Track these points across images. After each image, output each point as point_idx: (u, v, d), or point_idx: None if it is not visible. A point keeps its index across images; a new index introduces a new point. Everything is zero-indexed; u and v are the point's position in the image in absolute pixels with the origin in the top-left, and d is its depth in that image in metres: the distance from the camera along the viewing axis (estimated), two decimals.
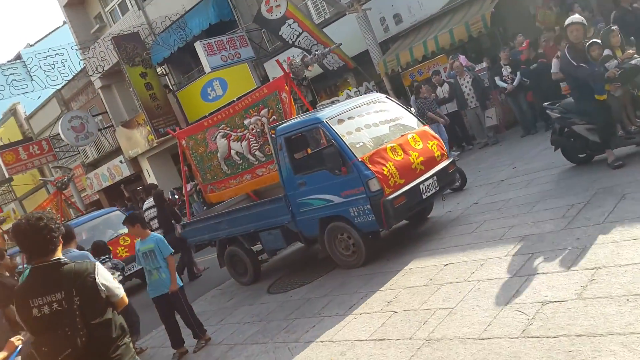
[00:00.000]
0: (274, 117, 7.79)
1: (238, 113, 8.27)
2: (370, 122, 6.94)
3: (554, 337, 3.57)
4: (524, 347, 3.61)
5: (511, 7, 12.66)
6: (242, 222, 7.74)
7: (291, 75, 7.77)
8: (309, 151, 7.80)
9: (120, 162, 25.10)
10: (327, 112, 6.87)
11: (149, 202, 11.11)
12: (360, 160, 6.25)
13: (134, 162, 24.74)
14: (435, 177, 6.71)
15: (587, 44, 6.76)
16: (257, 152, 8.12)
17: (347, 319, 5.33)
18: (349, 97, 12.26)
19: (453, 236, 6.49)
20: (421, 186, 6.53)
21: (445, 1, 13.50)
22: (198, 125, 9.17)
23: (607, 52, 6.79)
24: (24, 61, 23.82)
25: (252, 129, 8.07)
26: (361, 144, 6.51)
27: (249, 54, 17.37)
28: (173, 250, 6.30)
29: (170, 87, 21.57)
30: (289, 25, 14.59)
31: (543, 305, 4.01)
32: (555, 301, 4.00)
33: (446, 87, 11.81)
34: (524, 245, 5.26)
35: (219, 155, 8.59)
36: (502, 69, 10.97)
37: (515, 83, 10.78)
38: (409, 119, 7.34)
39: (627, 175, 6.12)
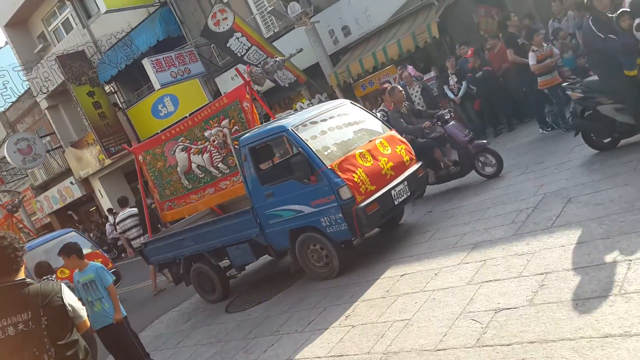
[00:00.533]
0: (236, 127, 7.55)
1: (197, 125, 7.99)
2: (336, 128, 6.84)
3: (507, 345, 3.62)
4: (479, 356, 3.64)
5: (455, 17, 12.96)
6: (208, 238, 7.47)
7: (251, 84, 7.59)
8: (275, 161, 7.75)
9: (71, 183, 24.41)
10: (291, 120, 6.72)
11: (124, 213, 10.94)
12: (329, 167, 6.08)
13: (85, 182, 24.10)
14: (405, 182, 6.63)
15: (617, 13, 6.20)
16: (219, 165, 7.88)
17: (305, 335, 5.28)
18: (302, 109, 12.25)
19: (408, 246, 6.54)
20: (392, 192, 6.42)
21: (391, 13, 13.70)
22: (155, 139, 8.84)
23: (638, 21, 6.09)
24: None
25: (214, 141, 7.81)
26: (329, 151, 6.36)
27: (199, 69, 17.20)
28: (114, 277, 6.08)
29: (120, 105, 21.14)
30: (237, 38, 14.53)
31: (496, 313, 4.07)
32: (507, 308, 4.06)
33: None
34: (477, 253, 5.34)
35: (178, 169, 8.30)
36: (449, 78, 11.20)
37: (461, 93, 11.01)
38: (375, 123, 7.26)
39: (572, 178, 6.30)
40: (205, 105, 9.13)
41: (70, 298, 3.39)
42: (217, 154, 7.84)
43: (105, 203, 23.16)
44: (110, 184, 23.45)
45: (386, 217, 6.70)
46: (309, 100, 14.35)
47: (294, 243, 6.68)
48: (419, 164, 7.07)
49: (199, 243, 7.61)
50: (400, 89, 8.63)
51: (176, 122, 10.31)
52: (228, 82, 16.99)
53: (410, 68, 12.08)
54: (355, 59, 13.70)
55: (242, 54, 14.76)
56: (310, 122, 6.66)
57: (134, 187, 24.32)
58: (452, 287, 4.83)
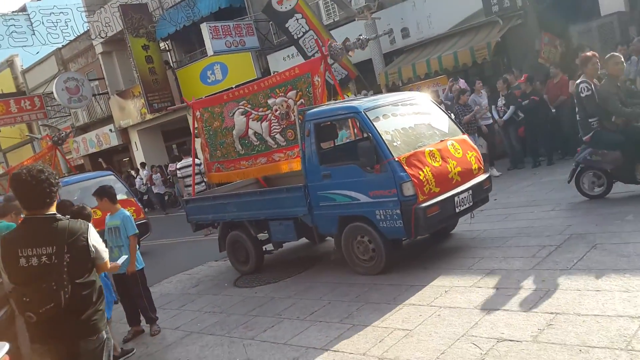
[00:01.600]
0: (301, 100, 7.23)
1: (263, 91, 7.70)
2: (409, 121, 6.55)
3: None
4: None
5: (517, 39, 12.75)
6: (253, 207, 7.30)
7: (327, 58, 7.21)
8: (333, 144, 7.52)
9: (110, 130, 24.94)
10: (364, 103, 6.38)
11: (186, 161, 12.34)
12: (396, 159, 5.76)
13: (123, 132, 24.59)
14: (470, 191, 6.27)
15: None
16: (277, 136, 7.57)
17: (305, 324, 5.34)
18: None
19: (423, 258, 6.53)
20: (456, 198, 6.07)
21: (454, 23, 13.56)
22: (216, 97, 8.62)
23: None
24: (27, 14, 23.58)
25: (276, 110, 7.51)
26: (398, 142, 6.03)
27: (254, 43, 17.34)
28: (137, 231, 6.24)
29: (171, 64, 21.45)
30: (297, 20, 14.60)
31: (498, 342, 4.05)
32: (510, 340, 4.04)
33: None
34: (490, 279, 5.31)
35: (234, 132, 8.03)
36: (498, 99, 11.04)
37: (506, 117, 10.85)
38: (448, 124, 6.91)
39: (601, 224, 6.19)
40: (250, 81, 9.20)
41: (95, 239, 3.45)
42: (277, 124, 7.55)
43: (139, 156, 23.61)
44: (147, 139, 23.88)
45: (444, 224, 6.43)
46: (354, 95, 14.33)
47: (341, 230, 6.40)
48: (487, 174, 6.72)
49: (242, 211, 7.44)
50: (620, 57, 7.10)
51: (222, 91, 10.17)
52: (279, 61, 17.09)
53: (461, 82, 11.96)
54: (408, 63, 13.63)
55: (299, 36, 14.82)
56: (382, 110, 6.36)
57: (169, 146, 24.75)
58: (460, 308, 4.81)
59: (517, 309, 4.53)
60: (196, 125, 8.68)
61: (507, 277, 5.26)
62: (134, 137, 24.21)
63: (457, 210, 6.14)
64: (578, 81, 7.09)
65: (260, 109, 7.70)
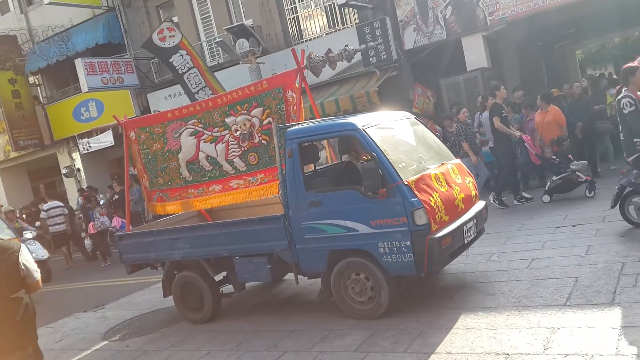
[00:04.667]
0: (269, 119, 6.40)
1: (219, 108, 6.73)
2: (407, 141, 5.97)
3: None
4: None
5: (394, 89, 13.48)
6: (213, 243, 6.28)
7: (304, 71, 6.42)
8: (313, 168, 6.52)
9: None
10: (360, 119, 5.68)
11: (51, 204, 13.55)
12: (406, 183, 5.09)
13: None
14: (475, 220, 5.73)
15: None
16: (235, 160, 6.67)
17: None
18: None
19: (303, 303, 6.48)
20: (464, 228, 5.49)
21: (335, 72, 14.06)
22: (157, 116, 7.50)
23: None
24: None
25: (236, 130, 6.59)
26: (403, 164, 5.34)
27: (133, 81, 16.78)
28: None
29: (41, 99, 20.13)
30: (182, 55, 14.35)
31: None
32: None
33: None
34: (369, 322, 5.36)
35: (180, 156, 7.02)
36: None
37: None
38: (441, 145, 6.49)
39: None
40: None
41: (26, 258, 3.69)
42: (235, 146, 6.64)
43: (1, 198, 21.63)
44: (10, 179, 21.96)
45: (454, 258, 5.62)
46: None
47: (331, 267, 5.54)
48: (484, 202, 6.24)
49: (197, 247, 6.41)
50: None
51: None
52: (160, 100, 16.66)
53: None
54: None
55: (184, 71, 14.55)
56: (380, 126, 5.67)
57: (35, 187, 22.98)
58: (337, 352, 4.80)
59: (393, 350, 4.60)
60: (130, 149, 7.49)
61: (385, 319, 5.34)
62: None
63: (466, 242, 5.58)
64: (620, 96, 6.41)
65: (215, 129, 6.75)
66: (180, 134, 6.99)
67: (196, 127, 6.89)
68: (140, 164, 7.46)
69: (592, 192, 8.81)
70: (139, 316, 7.45)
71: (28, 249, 11.44)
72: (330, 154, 7.68)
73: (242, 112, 6.55)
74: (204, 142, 6.84)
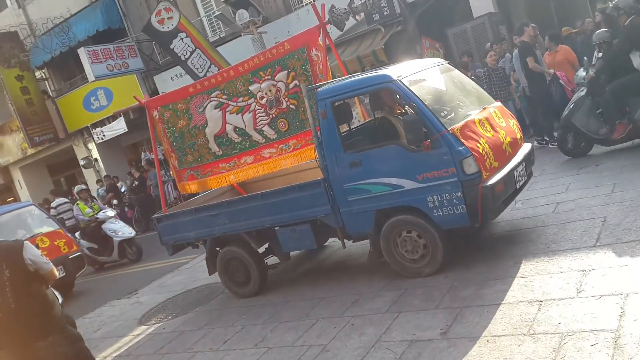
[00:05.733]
0: (295, 82, 6.09)
1: (241, 76, 6.41)
2: (445, 88, 5.67)
3: None
4: None
5: (400, 45, 13.22)
6: (253, 215, 6.06)
7: (327, 27, 6.07)
8: (348, 127, 6.21)
9: None
10: (395, 70, 5.37)
11: (58, 201, 13.56)
12: (450, 131, 4.83)
13: (4, 171, 22.82)
14: (524, 163, 5.47)
15: None
16: (264, 128, 6.39)
17: (219, 354, 5.13)
18: None
19: (328, 270, 6.51)
20: (515, 172, 5.23)
21: (339, 33, 13.82)
22: (179, 91, 7.14)
23: None
24: None
25: (262, 98, 6.29)
26: (445, 112, 5.10)
27: (138, 65, 16.75)
28: None
29: (49, 94, 20.19)
30: (182, 39, 14.20)
31: (411, 344, 4.09)
32: (421, 340, 4.09)
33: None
34: (397, 282, 5.37)
35: (207, 130, 6.74)
36: None
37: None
38: (479, 90, 6.16)
39: None
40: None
41: (30, 253, 3.79)
42: (263, 114, 6.36)
43: (24, 194, 21.97)
44: (31, 175, 22.27)
45: (507, 205, 5.43)
46: None
47: (378, 228, 5.35)
48: (530, 144, 5.99)
49: (238, 221, 6.17)
50: None
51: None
52: (167, 81, 16.59)
53: None
54: None
55: (186, 56, 14.45)
56: (415, 75, 5.36)
57: (56, 180, 23.27)
58: (370, 315, 4.83)
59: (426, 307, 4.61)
60: (155, 129, 7.22)
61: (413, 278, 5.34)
62: (17, 175, 22.50)
63: (517, 187, 5.36)
64: None
65: (240, 99, 6.46)
66: (205, 107, 6.71)
67: (220, 99, 6.61)
68: (167, 143, 7.21)
69: None
70: (171, 298, 7.56)
71: (112, 227, 11.01)
72: (362, 111, 7.35)
73: (266, 77, 6.26)
74: (230, 113, 6.57)
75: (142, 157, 16.92)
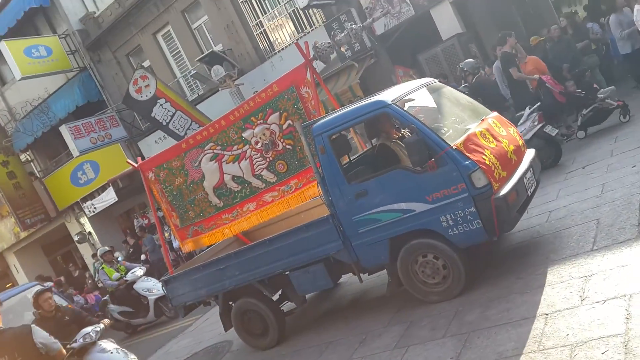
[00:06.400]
0: (288, 122, 6.10)
1: (233, 124, 6.42)
2: (440, 105, 5.66)
3: None
4: None
5: (375, 77, 13.41)
6: (263, 262, 5.94)
7: (312, 63, 6.10)
8: (346, 159, 6.16)
9: None
10: (388, 94, 5.36)
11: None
12: (454, 147, 4.77)
13: None
14: (532, 170, 5.41)
15: None
16: (263, 173, 6.37)
17: None
18: None
19: (334, 310, 6.38)
20: (524, 179, 5.17)
21: None
22: (171, 150, 7.11)
23: None
24: None
25: (257, 143, 6.30)
26: (444, 129, 5.10)
27: (121, 133, 16.82)
28: None
29: (37, 174, 20.20)
30: (161, 105, 14.31)
31: None
32: None
33: None
34: (403, 314, 5.26)
35: (205, 184, 6.70)
36: None
37: None
38: (474, 102, 6.19)
39: None
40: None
41: (39, 336, 4.00)
42: (260, 159, 6.34)
43: (21, 278, 21.68)
44: (26, 258, 22.00)
45: (522, 214, 5.32)
46: None
47: (394, 256, 5.24)
48: (533, 149, 5.93)
49: (248, 271, 6.06)
50: None
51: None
52: (152, 145, 16.66)
53: None
54: None
55: (167, 121, 14.53)
56: (409, 97, 5.36)
57: (52, 260, 23.06)
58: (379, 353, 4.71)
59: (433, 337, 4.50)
60: (152, 191, 7.17)
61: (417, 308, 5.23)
62: (12, 260, 22.23)
63: (529, 194, 5.29)
64: None
65: (235, 147, 6.45)
66: (200, 161, 6.68)
67: (214, 151, 6.58)
68: (165, 203, 7.13)
69: (627, 117, 8.31)
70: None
71: (145, 286, 10.60)
72: (359, 141, 7.33)
73: (259, 122, 6.25)
74: (226, 163, 6.54)
75: (135, 223, 16.81)
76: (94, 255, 17.32)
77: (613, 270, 4.15)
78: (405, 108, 5.07)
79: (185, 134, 14.24)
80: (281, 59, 14.32)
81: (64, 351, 4.20)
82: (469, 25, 13.35)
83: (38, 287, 10.36)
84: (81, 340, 5.45)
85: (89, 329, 5.60)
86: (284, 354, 5.82)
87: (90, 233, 19.33)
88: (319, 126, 5.36)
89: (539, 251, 5.18)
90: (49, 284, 12.96)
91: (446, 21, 12.55)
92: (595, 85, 8.92)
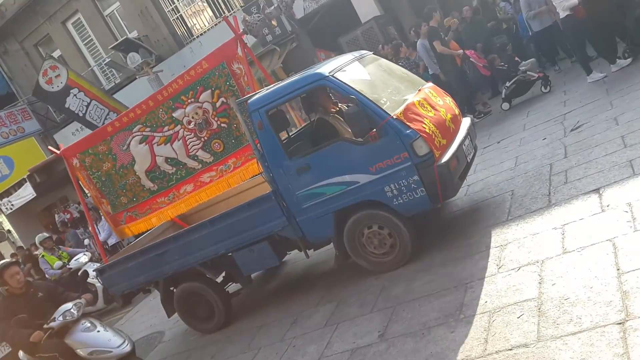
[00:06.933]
0: (222, 99, 5.85)
1: (162, 104, 6.12)
2: (376, 77, 5.55)
3: None
4: None
5: (297, 60, 13.39)
6: (205, 244, 5.74)
7: (243, 37, 5.92)
8: (285, 135, 5.92)
9: None
10: (325, 67, 5.21)
11: None
12: (394, 117, 4.76)
13: None
14: (469, 136, 5.49)
15: None
16: (199, 153, 6.13)
17: None
18: None
19: (264, 295, 6.40)
20: (463, 146, 5.24)
21: None
22: (96, 133, 6.75)
23: None
24: None
25: (189, 123, 6.03)
26: (383, 100, 4.98)
27: (35, 127, 16.06)
28: None
29: None
30: (74, 95, 13.70)
31: (352, 353, 4.07)
32: (361, 347, 4.09)
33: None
34: (332, 294, 5.36)
35: (136, 167, 6.41)
36: None
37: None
38: (411, 74, 6.16)
39: None
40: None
41: None
42: (194, 139, 6.10)
43: None
44: None
45: (463, 181, 5.37)
46: None
47: (340, 229, 5.20)
48: (469, 117, 6.02)
49: (189, 254, 5.86)
50: None
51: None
52: (69, 137, 15.95)
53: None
54: None
55: (83, 112, 13.93)
56: (346, 69, 5.24)
57: None
58: (308, 333, 4.78)
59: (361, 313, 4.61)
60: (78, 179, 6.81)
61: (345, 287, 5.33)
62: None
63: (469, 160, 5.40)
64: None
65: (165, 128, 6.17)
66: (128, 144, 6.38)
67: (144, 133, 6.29)
68: (94, 189, 6.77)
69: (548, 87, 8.74)
70: None
71: (92, 273, 9.29)
72: (297, 117, 7.15)
73: (189, 101, 6.01)
74: (158, 145, 6.26)
75: (57, 219, 16.10)
76: (14, 254, 16.47)
77: (526, 238, 4.42)
78: (344, 79, 4.98)
79: (103, 123, 13.73)
80: (200, 45, 14.04)
81: (42, 333, 3.87)
82: (386, 8, 13.61)
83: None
84: (61, 318, 4.96)
85: (68, 305, 5.08)
86: (218, 339, 5.81)
87: (9, 231, 18.37)
88: (255, 101, 5.19)
89: (457, 224, 5.42)
90: None
91: (364, 4, 12.75)
92: (516, 59, 9.32)
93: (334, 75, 4.99)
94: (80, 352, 4.96)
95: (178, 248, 5.89)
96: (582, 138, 5.90)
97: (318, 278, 5.93)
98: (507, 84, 8.95)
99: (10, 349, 5.35)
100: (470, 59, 9.51)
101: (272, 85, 5.60)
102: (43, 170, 15.03)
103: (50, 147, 7.15)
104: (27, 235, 17.90)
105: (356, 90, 4.87)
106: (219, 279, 6.31)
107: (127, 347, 5.04)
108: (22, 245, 16.82)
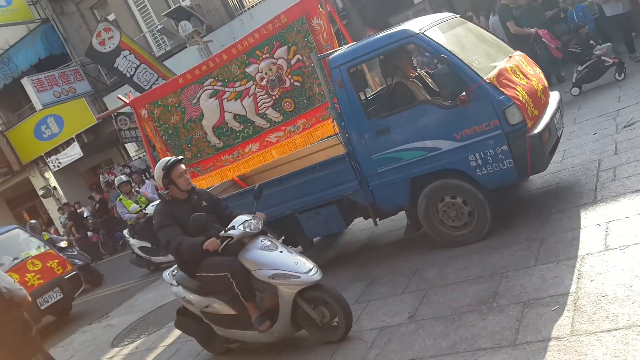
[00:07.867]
0: (297, 56, 5.60)
1: (236, 58, 5.90)
2: (467, 39, 5.19)
3: None
4: None
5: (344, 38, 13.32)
6: (272, 203, 5.51)
7: None
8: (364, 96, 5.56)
9: None
10: (414, 24, 4.91)
11: None
12: (487, 81, 4.43)
13: None
14: (559, 111, 5.11)
15: None
16: (268, 111, 5.91)
17: None
18: None
19: None
20: (554, 120, 4.84)
21: None
22: (167, 84, 6.59)
23: None
24: None
25: (261, 79, 5.82)
26: (477, 62, 4.65)
27: (86, 88, 16.44)
28: None
29: None
30: (125, 57, 13.95)
31: (381, 331, 4.11)
32: (390, 326, 4.12)
33: None
34: (365, 272, 5.39)
35: (204, 122, 6.23)
36: None
37: None
38: (499, 41, 5.83)
39: None
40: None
41: (5, 281, 4.01)
42: (265, 96, 5.86)
43: None
44: None
45: (552, 156, 4.99)
46: None
47: (414, 198, 4.94)
48: (557, 92, 5.56)
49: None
50: None
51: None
52: (117, 101, 16.27)
53: None
54: None
55: (132, 73, 14.20)
56: (437, 27, 4.90)
57: (17, 213, 22.69)
58: None
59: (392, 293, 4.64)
60: (145, 130, 6.61)
61: (378, 266, 5.36)
62: None
63: (559, 135, 5.06)
64: None
65: (237, 83, 5.95)
66: (198, 98, 6.19)
67: (215, 87, 6.09)
68: (160, 142, 6.59)
69: (622, 74, 8.17)
70: (143, 317, 7.45)
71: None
72: (372, 80, 6.95)
73: (264, 56, 5.77)
74: (228, 100, 6.07)
75: (101, 179, 16.60)
76: (60, 209, 17.09)
77: (568, 232, 4.34)
78: (435, 38, 4.64)
79: (151, 87, 13.98)
80: (251, 17, 14.08)
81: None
82: None
83: (19, 230, 9.79)
84: (241, 227, 4.16)
85: (246, 216, 4.31)
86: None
87: (55, 188, 19.04)
88: (337, 57, 4.94)
89: (502, 215, 5.31)
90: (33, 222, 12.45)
91: None
92: (591, 42, 8.80)
93: (424, 32, 4.66)
94: (259, 273, 4.09)
95: (243, 205, 5.55)
96: (635, 135, 5.70)
97: (354, 254, 5.96)
98: (580, 68, 8.41)
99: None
100: (543, 39, 8.97)
101: (353, 44, 5.31)
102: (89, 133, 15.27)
103: (119, 96, 7.02)
104: (71, 193, 18.55)
105: (447, 49, 4.55)
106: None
107: (316, 275, 4.10)
108: (67, 202, 17.41)
